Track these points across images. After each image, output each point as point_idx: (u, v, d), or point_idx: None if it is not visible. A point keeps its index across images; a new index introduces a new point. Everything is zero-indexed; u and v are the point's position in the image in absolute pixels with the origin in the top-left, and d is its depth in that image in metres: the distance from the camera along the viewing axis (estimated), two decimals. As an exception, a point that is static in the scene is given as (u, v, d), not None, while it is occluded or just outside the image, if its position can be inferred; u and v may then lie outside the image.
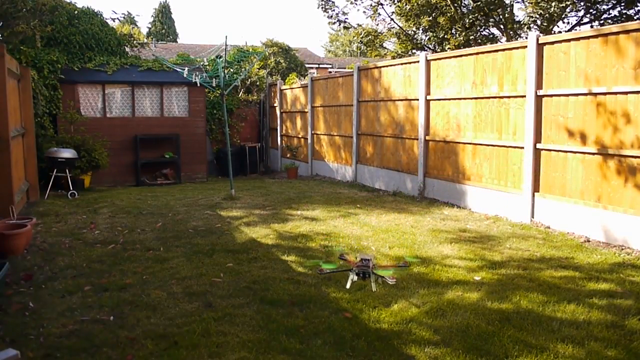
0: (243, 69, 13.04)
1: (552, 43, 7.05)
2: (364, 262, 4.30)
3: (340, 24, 18.08)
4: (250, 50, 15.84)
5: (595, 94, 6.47)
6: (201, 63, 11.99)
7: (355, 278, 4.34)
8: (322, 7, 17.66)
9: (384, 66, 10.73)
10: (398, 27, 17.36)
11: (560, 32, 14.79)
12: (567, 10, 14.30)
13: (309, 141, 13.72)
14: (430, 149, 9.39)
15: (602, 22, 14.83)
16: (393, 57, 17.24)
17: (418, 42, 17.30)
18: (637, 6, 14.32)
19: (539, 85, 7.21)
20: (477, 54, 8.37)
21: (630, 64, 6.07)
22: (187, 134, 13.27)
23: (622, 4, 14.34)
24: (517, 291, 4.61)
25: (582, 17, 15.22)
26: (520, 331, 3.81)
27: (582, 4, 14.45)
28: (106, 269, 5.42)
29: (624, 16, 14.41)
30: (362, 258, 4.39)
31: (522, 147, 7.46)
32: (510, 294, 4.56)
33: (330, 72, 32.15)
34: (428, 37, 17.21)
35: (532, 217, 7.33)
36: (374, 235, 6.70)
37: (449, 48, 15.77)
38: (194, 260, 5.66)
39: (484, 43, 15.34)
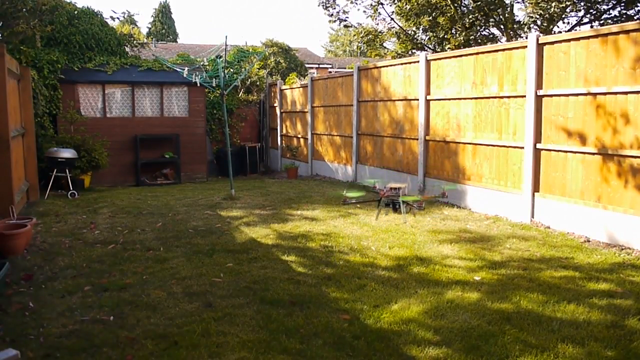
0: (243, 69, 13.03)
1: (552, 43, 7.05)
2: (393, 191, 4.00)
3: (340, 23, 18.11)
4: (250, 50, 15.84)
5: (595, 94, 6.47)
6: (201, 63, 11.98)
7: (380, 209, 4.07)
8: (322, 5, 17.67)
9: (383, 66, 10.73)
10: (398, 27, 17.36)
11: (560, 32, 14.79)
12: (567, 10, 14.31)
13: (309, 141, 13.72)
14: (430, 149, 9.39)
15: (602, 22, 14.84)
16: (393, 57, 17.25)
17: (418, 42, 17.30)
18: (637, 6, 14.32)
19: (539, 85, 7.21)
20: (477, 54, 8.37)
21: (630, 64, 6.07)
22: (187, 134, 13.27)
23: (622, 4, 14.35)
24: (517, 291, 4.61)
25: (582, 17, 15.23)
26: (520, 331, 3.81)
27: (582, 4, 14.46)
28: (106, 269, 5.42)
29: (624, 16, 14.42)
30: (391, 187, 4.08)
31: (522, 147, 7.46)
32: (511, 294, 4.56)
33: (330, 72, 32.15)
34: (428, 37, 17.22)
35: (532, 217, 7.33)
36: (374, 235, 6.69)
37: (449, 48, 15.78)
38: (194, 260, 5.66)
39: (484, 43, 15.34)
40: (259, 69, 17.57)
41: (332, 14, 17.78)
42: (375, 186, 4.18)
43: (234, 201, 9.35)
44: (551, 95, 7.07)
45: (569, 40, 6.84)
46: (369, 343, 3.63)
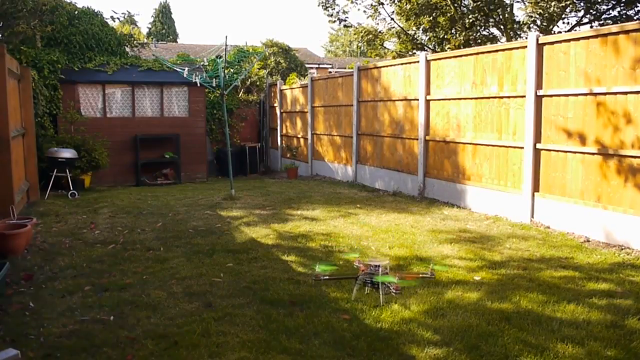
0: (243, 69, 13.04)
1: (552, 43, 7.06)
2: (372, 268, 3.59)
3: (340, 23, 18.11)
4: (250, 50, 15.83)
5: (595, 94, 6.47)
6: (201, 63, 11.98)
7: (357, 287, 3.57)
8: (322, 5, 17.67)
9: (384, 66, 10.73)
10: (398, 27, 17.37)
11: (560, 32, 14.80)
12: (567, 10, 14.31)
13: (309, 141, 13.72)
14: (430, 149, 9.39)
15: (602, 22, 14.85)
16: (393, 57, 17.25)
17: (418, 42, 17.31)
18: (637, 6, 14.34)
19: (538, 85, 7.22)
20: (477, 54, 8.37)
21: (630, 64, 6.07)
22: (187, 134, 13.27)
23: (622, 4, 14.35)
24: (517, 291, 4.61)
25: (582, 17, 15.24)
26: (520, 331, 3.81)
27: (581, 4, 14.47)
28: (106, 269, 5.42)
29: (624, 16, 14.43)
30: (370, 264, 3.62)
31: (522, 147, 7.46)
32: (510, 293, 4.56)
33: (330, 72, 32.13)
34: (428, 37, 17.23)
35: (532, 217, 7.33)
36: (374, 235, 6.70)
37: (449, 48, 15.78)
38: (194, 260, 5.66)
39: (484, 43, 15.34)
40: (259, 69, 17.57)
41: (331, 14, 17.79)
42: (357, 260, 3.78)
43: (234, 201, 9.35)
44: (551, 95, 7.07)
45: (568, 40, 6.84)
46: (369, 343, 3.63)
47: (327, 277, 3.55)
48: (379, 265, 3.50)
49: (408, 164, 10.00)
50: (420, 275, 3.68)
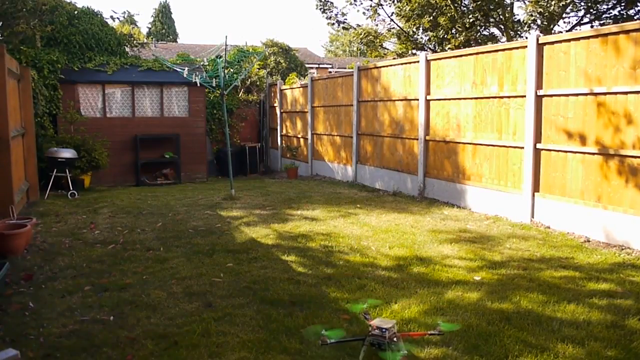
0: (243, 69, 13.03)
1: (552, 43, 7.05)
2: (380, 330, 3.49)
3: (339, 25, 18.09)
4: (250, 50, 15.83)
5: (595, 94, 6.47)
6: (201, 63, 11.98)
7: (365, 349, 3.49)
8: (320, 8, 17.66)
9: (383, 66, 10.73)
10: (398, 28, 17.36)
11: (560, 32, 14.81)
12: (567, 9, 14.32)
13: (309, 141, 13.72)
14: (430, 149, 9.39)
15: (602, 22, 14.86)
16: (393, 57, 17.25)
17: (418, 42, 17.31)
18: (637, 6, 14.34)
19: (539, 85, 7.21)
20: (477, 54, 8.37)
21: (630, 64, 6.07)
22: (187, 134, 13.26)
23: (622, 4, 14.36)
24: (517, 291, 4.61)
25: (582, 17, 15.25)
26: (520, 331, 3.81)
27: (582, 3, 14.48)
28: (106, 269, 5.42)
29: (624, 16, 14.44)
30: (378, 326, 3.50)
31: (522, 147, 7.46)
32: (510, 294, 4.55)
33: (330, 72, 32.13)
34: (428, 37, 17.22)
35: (532, 217, 7.33)
36: (374, 235, 6.70)
37: (449, 48, 15.78)
38: (194, 260, 5.66)
39: (484, 43, 15.34)
40: (259, 69, 17.56)
41: (330, 17, 17.78)
42: (366, 313, 3.65)
43: (234, 201, 9.35)
44: (551, 95, 7.07)
45: (569, 40, 6.84)
46: (369, 343, 3.62)
47: (334, 342, 3.51)
48: (385, 329, 3.40)
49: (408, 164, 10.00)
50: (429, 334, 3.64)
